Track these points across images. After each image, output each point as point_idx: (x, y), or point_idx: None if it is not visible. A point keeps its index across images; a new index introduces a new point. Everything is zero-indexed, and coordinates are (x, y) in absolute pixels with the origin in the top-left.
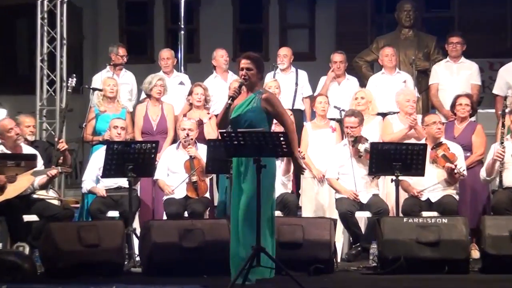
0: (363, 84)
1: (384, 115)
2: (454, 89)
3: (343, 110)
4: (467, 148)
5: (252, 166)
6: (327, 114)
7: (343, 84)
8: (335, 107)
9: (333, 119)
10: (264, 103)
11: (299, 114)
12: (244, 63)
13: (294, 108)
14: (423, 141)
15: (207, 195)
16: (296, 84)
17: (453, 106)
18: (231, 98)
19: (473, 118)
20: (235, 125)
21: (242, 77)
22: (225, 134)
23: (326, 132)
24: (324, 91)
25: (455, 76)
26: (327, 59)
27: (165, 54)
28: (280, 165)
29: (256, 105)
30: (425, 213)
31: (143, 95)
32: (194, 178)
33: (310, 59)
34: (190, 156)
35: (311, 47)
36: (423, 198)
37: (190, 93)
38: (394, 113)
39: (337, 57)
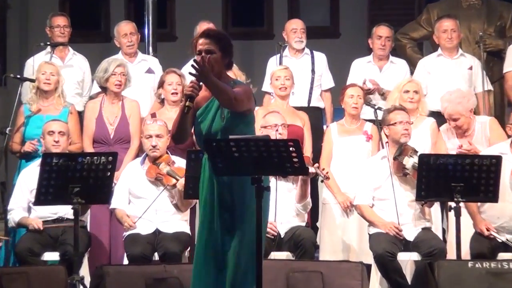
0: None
1: (439, 116)
2: None
3: (380, 108)
4: None
5: (237, 186)
6: (360, 114)
7: (386, 70)
8: (367, 103)
9: (368, 121)
10: None
11: (317, 114)
12: (202, 43)
13: (311, 105)
14: (503, 146)
15: (186, 229)
16: (313, 71)
17: None
18: (188, 99)
19: None
20: (201, 140)
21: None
22: (213, 144)
23: (358, 140)
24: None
25: None
26: (356, 35)
27: (127, 27)
28: (292, 187)
29: (228, 112)
30: (501, 255)
31: (95, 89)
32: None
33: (331, 35)
34: (157, 178)
35: (333, 19)
36: (500, 238)
37: (161, 84)
38: None
39: (383, 30)
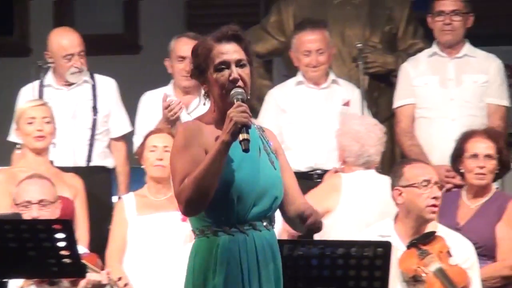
0: None
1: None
2: (451, 115)
3: None
4: (485, 250)
5: None
6: None
7: None
8: None
9: None
10: (275, 147)
11: (102, 178)
12: (230, 51)
13: (91, 164)
14: (386, 225)
15: None
16: (94, 109)
17: (458, 156)
18: (244, 128)
19: (496, 184)
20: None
21: (236, 84)
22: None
23: (171, 218)
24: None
25: (452, 88)
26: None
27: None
28: None
29: (273, 154)
30: None
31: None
32: None
33: (128, 49)
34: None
35: (130, 25)
36: None
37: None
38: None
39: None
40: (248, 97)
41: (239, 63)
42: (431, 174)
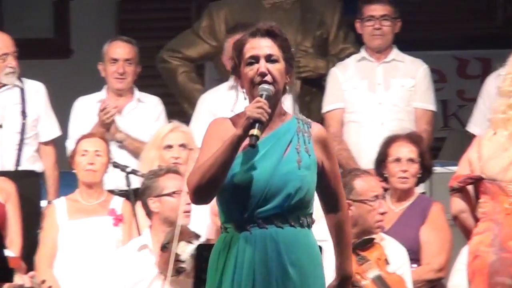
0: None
1: None
2: (380, 119)
3: (135, 171)
4: (410, 253)
5: None
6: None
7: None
8: (114, 165)
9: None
10: (319, 146)
11: (31, 183)
12: (261, 46)
13: (20, 168)
14: None
15: None
16: (23, 114)
17: (381, 161)
18: (256, 125)
19: (421, 188)
20: (253, 192)
21: (262, 79)
22: None
23: (101, 223)
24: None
25: (380, 92)
26: (93, 53)
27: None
28: None
29: (311, 152)
30: None
31: None
32: None
33: (59, 54)
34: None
35: (60, 29)
36: None
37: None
38: None
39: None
40: (273, 92)
41: (269, 58)
42: (379, 188)
